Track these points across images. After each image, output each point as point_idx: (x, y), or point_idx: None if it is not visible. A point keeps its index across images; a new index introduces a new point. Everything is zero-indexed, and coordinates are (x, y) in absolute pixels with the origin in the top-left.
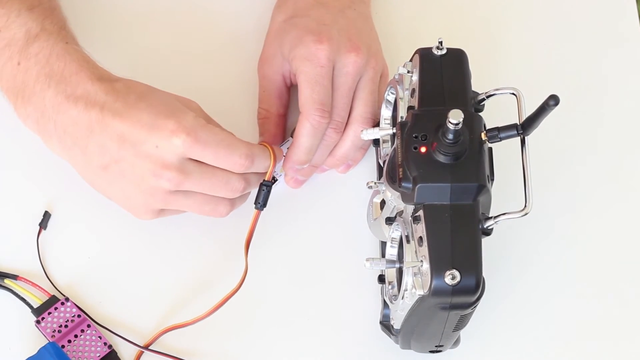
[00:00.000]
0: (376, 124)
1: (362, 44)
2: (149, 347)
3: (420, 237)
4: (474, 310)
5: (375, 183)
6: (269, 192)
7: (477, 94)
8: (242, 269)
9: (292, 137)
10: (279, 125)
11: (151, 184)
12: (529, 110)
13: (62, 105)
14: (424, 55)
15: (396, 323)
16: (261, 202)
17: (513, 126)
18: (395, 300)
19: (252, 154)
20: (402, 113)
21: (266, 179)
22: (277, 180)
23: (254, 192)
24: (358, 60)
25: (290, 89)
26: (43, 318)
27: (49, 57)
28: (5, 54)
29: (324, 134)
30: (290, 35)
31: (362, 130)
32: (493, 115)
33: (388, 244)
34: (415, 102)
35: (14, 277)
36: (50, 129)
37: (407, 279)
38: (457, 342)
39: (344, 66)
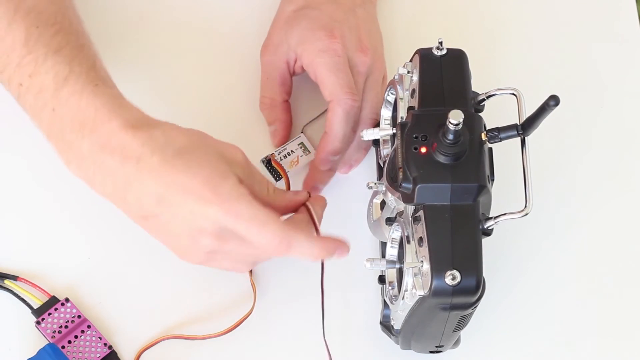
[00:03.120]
0: (376, 125)
1: (370, 45)
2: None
3: (421, 238)
4: (474, 311)
5: (375, 183)
6: None
7: (477, 94)
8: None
9: (302, 133)
10: (286, 110)
11: (188, 243)
12: (529, 110)
13: (98, 155)
14: (424, 55)
15: (396, 323)
16: None
17: (513, 126)
18: (395, 301)
19: (288, 237)
20: (402, 113)
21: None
22: None
23: None
24: (366, 61)
25: (292, 78)
26: (43, 319)
27: (79, 103)
28: (40, 100)
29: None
30: (300, 25)
31: (362, 131)
32: (493, 116)
33: (388, 245)
34: (415, 103)
35: (14, 277)
36: (90, 175)
37: (408, 279)
38: (457, 343)
39: (354, 65)
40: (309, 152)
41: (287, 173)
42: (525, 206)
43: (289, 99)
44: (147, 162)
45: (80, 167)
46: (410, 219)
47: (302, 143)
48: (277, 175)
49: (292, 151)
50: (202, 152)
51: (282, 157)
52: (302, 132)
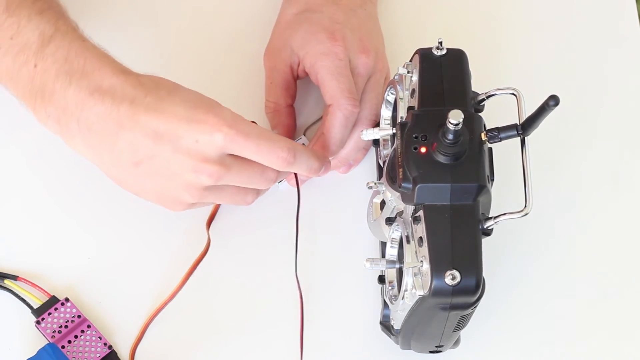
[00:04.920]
0: (376, 124)
1: (371, 46)
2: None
3: (420, 238)
4: (474, 311)
5: (375, 183)
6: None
7: (477, 94)
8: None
9: (304, 135)
10: (289, 115)
11: (189, 179)
12: (529, 110)
13: (87, 102)
14: (424, 55)
15: (396, 323)
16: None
17: (513, 126)
18: (395, 301)
19: (295, 149)
20: (402, 113)
21: None
22: (282, 180)
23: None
24: (368, 62)
25: (297, 82)
26: (43, 319)
27: (67, 55)
28: (19, 59)
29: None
30: (302, 29)
31: (362, 131)
32: (493, 115)
33: (388, 245)
34: (415, 103)
35: (14, 277)
36: (72, 128)
37: (407, 279)
38: (457, 343)
39: (355, 67)
40: None
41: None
42: (525, 206)
43: (293, 102)
44: (141, 102)
45: (60, 120)
46: (410, 218)
47: (303, 145)
48: None
49: None
50: (193, 92)
51: None
52: (304, 134)
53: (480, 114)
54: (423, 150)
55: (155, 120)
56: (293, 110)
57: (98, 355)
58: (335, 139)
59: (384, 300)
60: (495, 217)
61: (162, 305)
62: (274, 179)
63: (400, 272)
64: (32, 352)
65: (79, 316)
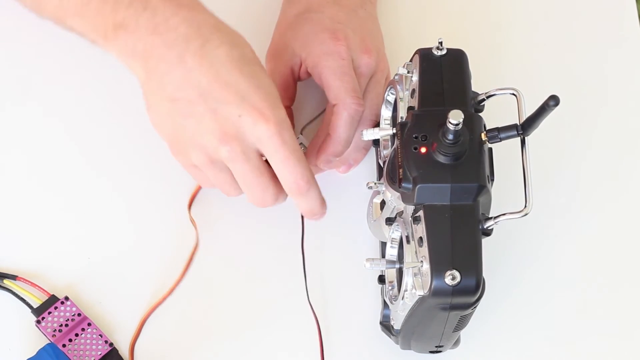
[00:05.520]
0: (376, 124)
1: (373, 46)
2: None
3: (420, 238)
4: (474, 311)
5: (375, 183)
6: None
7: (477, 94)
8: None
9: (301, 134)
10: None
11: (208, 142)
12: (529, 110)
13: (159, 27)
14: (424, 55)
15: (396, 323)
16: None
17: (513, 126)
18: (395, 301)
19: (312, 185)
20: (402, 113)
21: None
22: None
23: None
24: (370, 62)
25: (297, 84)
26: (43, 318)
27: None
28: None
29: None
30: (303, 29)
31: (362, 131)
32: (493, 115)
33: (388, 245)
34: (415, 103)
35: (13, 277)
36: (137, 49)
37: (407, 279)
38: (457, 343)
39: (358, 67)
40: None
41: None
42: (525, 206)
43: (292, 104)
44: (212, 51)
45: (127, 43)
46: (410, 219)
47: (302, 144)
48: None
49: None
50: (264, 72)
51: None
52: (301, 134)
53: (480, 114)
54: (423, 150)
55: (213, 81)
56: (290, 112)
57: (99, 353)
58: (341, 138)
59: (384, 300)
60: (495, 217)
61: (160, 301)
62: (266, 203)
63: (400, 272)
64: (32, 352)
65: (79, 314)
